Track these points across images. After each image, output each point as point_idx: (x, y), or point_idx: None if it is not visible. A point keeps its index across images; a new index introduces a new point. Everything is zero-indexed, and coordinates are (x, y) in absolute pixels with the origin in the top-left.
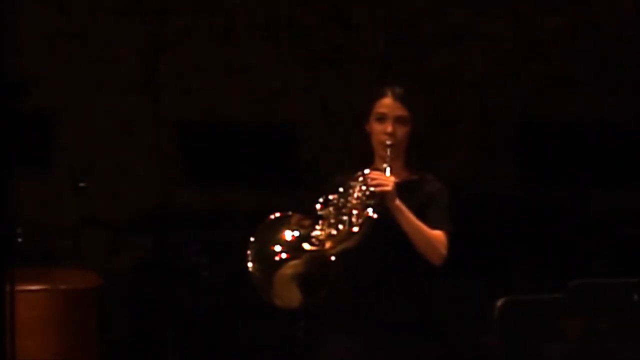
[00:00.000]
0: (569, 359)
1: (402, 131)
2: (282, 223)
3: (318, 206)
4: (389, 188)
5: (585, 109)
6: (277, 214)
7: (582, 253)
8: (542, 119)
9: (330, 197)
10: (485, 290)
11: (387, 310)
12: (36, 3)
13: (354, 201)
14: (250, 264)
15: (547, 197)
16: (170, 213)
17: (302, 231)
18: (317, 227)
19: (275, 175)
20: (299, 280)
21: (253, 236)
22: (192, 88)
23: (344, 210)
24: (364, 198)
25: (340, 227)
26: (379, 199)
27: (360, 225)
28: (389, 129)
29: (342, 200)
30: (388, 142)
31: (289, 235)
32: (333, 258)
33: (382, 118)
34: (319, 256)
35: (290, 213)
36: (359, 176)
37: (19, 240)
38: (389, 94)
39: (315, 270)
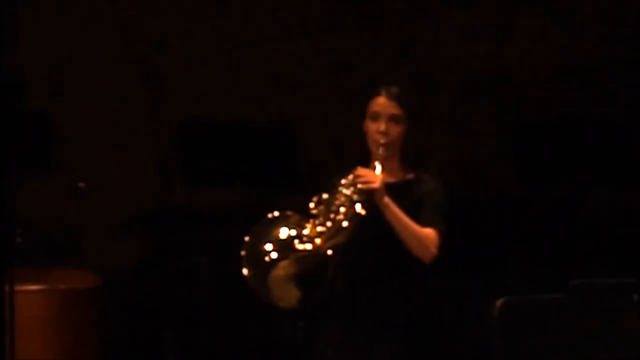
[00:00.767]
0: (568, 359)
1: (396, 130)
2: (280, 222)
3: (312, 205)
4: (376, 185)
5: (585, 109)
6: (276, 213)
7: (582, 253)
8: (542, 119)
9: (324, 195)
10: (485, 290)
11: (380, 306)
12: (36, 3)
13: (343, 198)
14: (245, 270)
15: (547, 197)
16: (170, 213)
17: (297, 230)
18: (308, 225)
19: (275, 175)
20: (295, 279)
21: (249, 234)
22: (192, 88)
23: (333, 208)
24: (352, 195)
25: (329, 224)
26: (367, 196)
27: (348, 222)
28: (382, 127)
29: (331, 198)
30: (381, 141)
31: (283, 233)
32: (330, 253)
33: (376, 117)
34: (310, 255)
35: (289, 213)
36: (350, 174)
37: (18, 240)
38: (383, 93)
39: (311, 269)
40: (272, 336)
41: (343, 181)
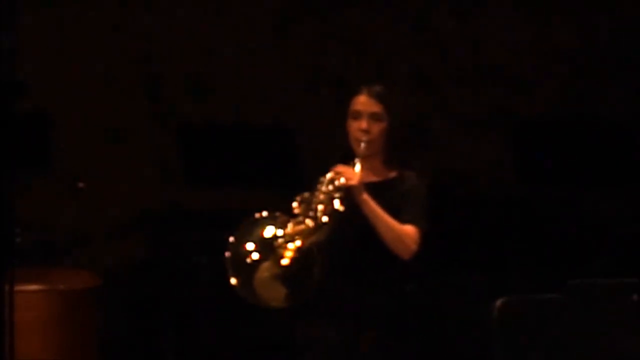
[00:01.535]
0: (568, 359)
1: (377, 128)
2: (267, 222)
3: (295, 204)
4: (354, 182)
5: (585, 109)
6: (264, 213)
7: (582, 253)
8: (542, 119)
9: (305, 194)
10: (485, 290)
11: (363, 301)
12: (36, 3)
13: (322, 196)
14: (232, 279)
15: (547, 197)
16: (170, 213)
17: (282, 230)
18: (289, 224)
19: (275, 175)
20: (281, 279)
21: (233, 234)
22: (193, 88)
23: (313, 206)
24: (331, 192)
25: (309, 221)
26: (345, 193)
27: (327, 218)
28: (364, 125)
29: (312, 196)
30: (363, 139)
31: (268, 232)
32: (312, 250)
33: (357, 115)
34: (292, 253)
35: (277, 213)
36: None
37: (18, 240)
38: (364, 91)
39: (295, 267)
40: (272, 336)
41: (322, 179)
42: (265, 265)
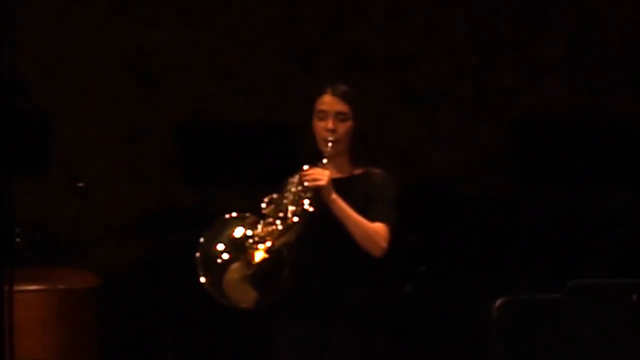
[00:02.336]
0: (567, 359)
1: (343, 127)
2: (236, 222)
3: (263, 205)
4: (322, 182)
5: (585, 108)
6: (234, 214)
7: (582, 253)
8: (541, 119)
9: (274, 195)
10: (485, 290)
11: (335, 300)
12: (36, 3)
13: (291, 197)
14: (202, 278)
15: (547, 197)
16: (170, 213)
17: (251, 231)
18: (259, 225)
19: (275, 175)
20: (251, 281)
21: (203, 235)
22: (192, 88)
23: (282, 207)
24: (300, 193)
25: (279, 223)
26: (314, 193)
27: (297, 219)
28: (330, 125)
29: (281, 197)
30: (329, 138)
31: (238, 233)
32: (281, 251)
33: (322, 115)
34: (262, 254)
35: (247, 214)
36: (298, 173)
37: (18, 240)
38: (329, 91)
39: (265, 268)
40: (271, 336)
41: (291, 180)
42: (235, 266)
